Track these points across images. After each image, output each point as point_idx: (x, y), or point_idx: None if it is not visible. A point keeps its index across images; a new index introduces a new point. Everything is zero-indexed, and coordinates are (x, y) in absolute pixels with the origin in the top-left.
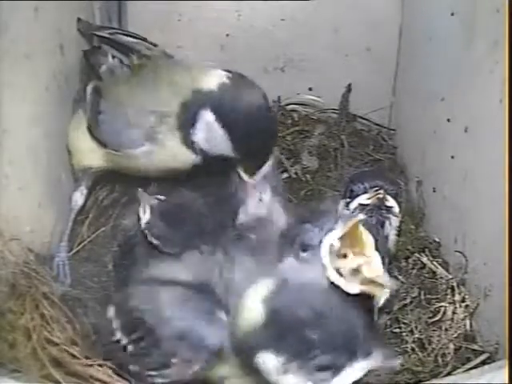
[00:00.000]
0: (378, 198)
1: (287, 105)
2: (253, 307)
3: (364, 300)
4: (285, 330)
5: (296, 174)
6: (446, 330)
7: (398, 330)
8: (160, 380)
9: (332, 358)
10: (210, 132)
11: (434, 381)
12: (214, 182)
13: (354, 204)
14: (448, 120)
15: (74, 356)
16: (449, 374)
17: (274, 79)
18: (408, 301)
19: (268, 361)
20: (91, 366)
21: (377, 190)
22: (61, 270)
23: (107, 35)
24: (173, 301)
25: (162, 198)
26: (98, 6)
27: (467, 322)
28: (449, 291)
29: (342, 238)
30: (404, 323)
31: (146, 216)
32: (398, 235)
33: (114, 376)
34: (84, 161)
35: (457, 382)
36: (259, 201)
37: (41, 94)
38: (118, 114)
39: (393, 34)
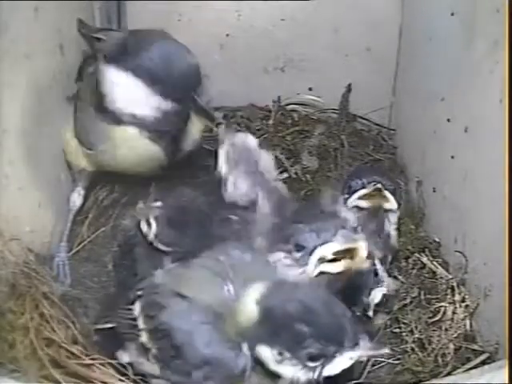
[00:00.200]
0: (377, 189)
1: (287, 105)
2: (248, 308)
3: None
4: (276, 326)
5: (296, 173)
6: (446, 330)
7: (397, 330)
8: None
9: (321, 348)
10: (118, 86)
11: (433, 381)
12: (213, 180)
13: (352, 200)
14: (448, 120)
15: (74, 355)
16: (449, 374)
17: (274, 79)
18: (408, 301)
19: (264, 353)
20: (92, 365)
21: (375, 185)
22: (61, 270)
23: (102, 36)
24: (200, 326)
25: (159, 204)
26: (97, 6)
27: (467, 321)
28: (449, 291)
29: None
30: (404, 323)
31: (153, 229)
32: (399, 234)
33: (116, 375)
34: (77, 161)
35: (457, 381)
36: (235, 187)
37: (41, 94)
38: (86, 113)
39: (393, 34)
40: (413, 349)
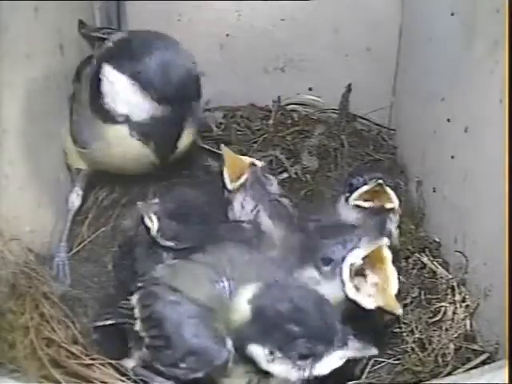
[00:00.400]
0: (379, 185)
1: (287, 105)
2: (241, 307)
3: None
4: (268, 326)
5: (296, 173)
6: (447, 329)
7: (398, 330)
8: (166, 373)
9: (311, 348)
10: (116, 87)
11: (434, 381)
12: (213, 180)
13: (354, 197)
14: (448, 120)
15: (74, 355)
16: (449, 373)
17: (274, 79)
18: (408, 301)
19: (256, 352)
20: (92, 365)
21: (376, 181)
22: (61, 270)
23: (102, 35)
24: (190, 317)
25: (157, 200)
26: (97, 6)
27: (467, 322)
28: (449, 291)
29: (364, 257)
30: (404, 323)
31: (154, 225)
32: (399, 232)
33: (116, 375)
34: (75, 162)
35: (457, 381)
36: (242, 207)
37: (41, 94)
38: (80, 113)
39: (393, 34)
40: (413, 349)
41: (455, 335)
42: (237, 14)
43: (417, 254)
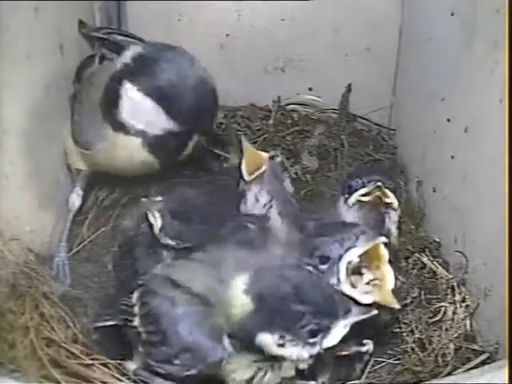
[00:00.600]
0: (377, 187)
1: (287, 105)
2: (239, 300)
3: None
4: (273, 311)
5: (296, 173)
6: (447, 330)
7: (398, 330)
8: (159, 370)
9: (318, 322)
10: (136, 105)
11: (434, 381)
12: (214, 180)
13: (352, 199)
14: (448, 120)
15: (74, 355)
16: (449, 373)
17: (274, 79)
18: (408, 301)
19: (266, 339)
20: (92, 365)
21: (375, 183)
22: (60, 270)
23: (103, 35)
24: (186, 314)
25: (160, 198)
26: (97, 6)
27: (467, 322)
28: (449, 291)
29: (361, 255)
30: (404, 323)
31: (158, 223)
32: (399, 234)
33: (116, 375)
34: (75, 162)
35: (457, 381)
36: (256, 200)
37: (41, 94)
38: (83, 114)
39: (393, 34)
40: (413, 349)
41: (455, 335)
42: (237, 14)
43: (417, 254)
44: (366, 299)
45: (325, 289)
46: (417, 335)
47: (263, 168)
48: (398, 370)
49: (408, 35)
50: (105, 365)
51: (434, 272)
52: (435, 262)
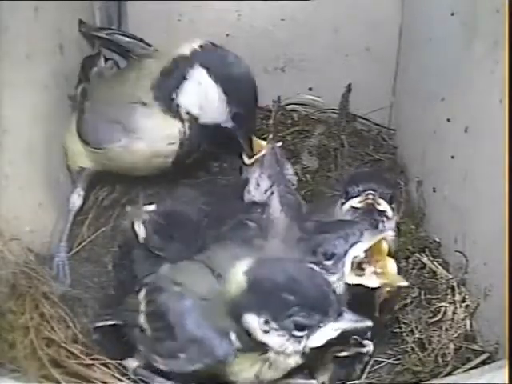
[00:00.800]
0: (367, 204)
1: (287, 105)
2: (237, 278)
3: None
4: (263, 295)
5: (296, 173)
6: (447, 329)
7: (398, 330)
8: (162, 366)
9: (306, 316)
10: (201, 90)
11: (434, 381)
12: (214, 179)
13: (346, 206)
14: (448, 120)
15: (74, 355)
16: (449, 373)
17: (274, 79)
18: (408, 301)
19: (251, 321)
20: (92, 365)
21: (368, 195)
22: (60, 270)
23: (105, 36)
24: (193, 308)
25: (152, 208)
26: (97, 7)
27: (467, 321)
28: (449, 291)
29: (366, 250)
30: (404, 323)
31: (141, 232)
32: (398, 235)
33: (116, 375)
34: (77, 162)
35: (457, 381)
36: (257, 185)
37: (41, 94)
38: (98, 112)
39: (393, 34)
40: (413, 349)
41: (455, 335)
42: (237, 14)
43: (417, 254)
44: (374, 282)
45: (322, 288)
46: (417, 335)
47: (263, 152)
48: (398, 370)
49: (408, 35)
50: (105, 365)
51: (434, 272)
52: (435, 262)
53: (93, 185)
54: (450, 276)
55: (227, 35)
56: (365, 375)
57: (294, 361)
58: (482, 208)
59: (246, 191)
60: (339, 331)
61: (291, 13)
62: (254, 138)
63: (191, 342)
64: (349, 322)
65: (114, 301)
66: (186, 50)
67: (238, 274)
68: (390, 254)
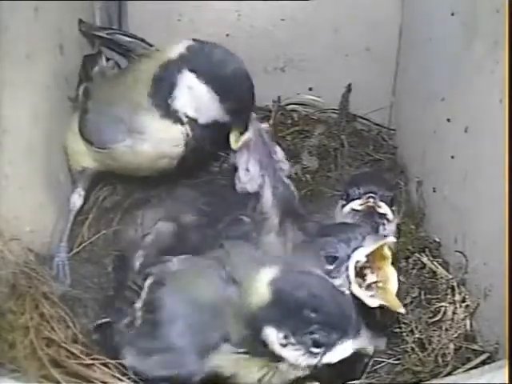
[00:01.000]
0: (368, 207)
1: (287, 105)
2: (260, 289)
3: None
4: (286, 310)
5: (296, 174)
6: (447, 329)
7: (398, 330)
8: (131, 363)
9: (326, 336)
10: (193, 94)
11: (434, 381)
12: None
13: (347, 208)
14: (448, 120)
15: (74, 355)
16: (449, 374)
17: (274, 79)
18: (408, 301)
19: (271, 334)
20: (92, 365)
21: (368, 198)
22: (60, 270)
23: (106, 35)
24: (185, 316)
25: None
26: (98, 7)
27: (467, 321)
28: (449, 291)
29: (368, 255)
30: (404, 323)
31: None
32: (398, 237)
33: (116, 375)
34: (79, 162)
35: (457, 381)
36: (246, 170)
37: (41, 94)
38: (101, 112)
39: (393, 34)
40: (413, 349)
41: (455, 335)
42: (237, 14)
43: (417, 254)
44: (373, 302)
45: (344, 306)
46: (417, 335)
47: (247, 134)
48: (398, 370)
49: (408, 35)
50: (105, 365)
51: (434, 272)
52: (435, 262)
53: (93, 185)
54: (450, 276)
55: (227, 35)
56: (365, 375)
57: (303, 372)
58: (482, 208)
59: (236, 179)
60: (355, 349)
61: (291, 13)
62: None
63: (168, 349)
64: (365, 340)
65: (113, 301)
66: (173, 54)
67: (262, 284)
68: (393, 262)
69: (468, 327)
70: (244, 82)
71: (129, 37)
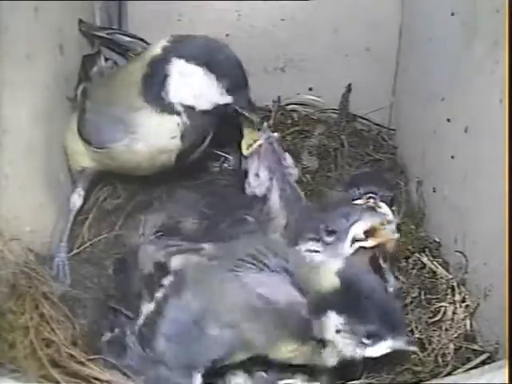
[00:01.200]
0: (368, 207)
1: (287, 105)
2: (329, 276)
3: None
4: (351, 297)
5: None
6: (447, 329)
7: None
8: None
9: (378, 329)
10: (187, 80)
11: (434, 381)
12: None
13: None
14: (448, 120)
15: (73, 356)
16: (449, 374)
17: (274, 79)
18: (408, 301)
19: (332, 319)
20: (92, 365)
21: (369, 198)
22: (60, 270)
23: (106, 35)
24: (182, 333)
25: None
26: (98, 6)
27: (467, 321)
28: (449, 291)
29: (367, 231)
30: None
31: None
32: (400, 233)
33: (116, 374)
34: (78, 162)
35: (457, 381)
36: (256, 176)
37: (41, 94)
38: (100, 112)
39: (393, 34)
40: None
41: (455, 335)
42: (237, 14)
43: (417, 254)
44: (370, 242)
45: (395, 304)
46: (417, 335)
47: (259, 141)
48: (398, 370)
49: (408, 35)
50: (105, 364)
51: (434, 272)
52: (435, 262)
53: (93, 185)
54: (450, 276)
55: (227, 35)
56: (365, 375)
57: (332, 362)
58: (482, 208)
59: (246, 184)
60: (393, 349)
61: (291, 13)
62: (252, 130)
63: (156, 361)
64: (403, 343)
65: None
66: (157, 49)
67: (330, 275)
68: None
69: (468, 327)
70: (234, 58)
71: (129, 37)
